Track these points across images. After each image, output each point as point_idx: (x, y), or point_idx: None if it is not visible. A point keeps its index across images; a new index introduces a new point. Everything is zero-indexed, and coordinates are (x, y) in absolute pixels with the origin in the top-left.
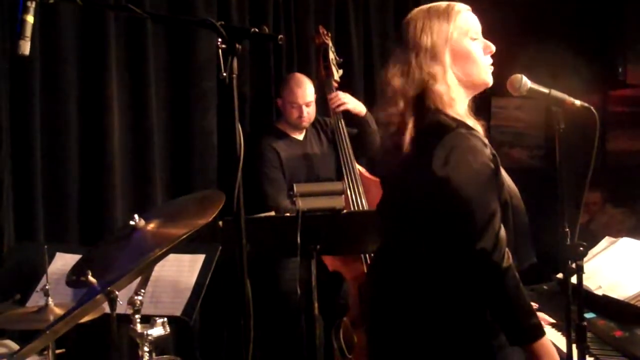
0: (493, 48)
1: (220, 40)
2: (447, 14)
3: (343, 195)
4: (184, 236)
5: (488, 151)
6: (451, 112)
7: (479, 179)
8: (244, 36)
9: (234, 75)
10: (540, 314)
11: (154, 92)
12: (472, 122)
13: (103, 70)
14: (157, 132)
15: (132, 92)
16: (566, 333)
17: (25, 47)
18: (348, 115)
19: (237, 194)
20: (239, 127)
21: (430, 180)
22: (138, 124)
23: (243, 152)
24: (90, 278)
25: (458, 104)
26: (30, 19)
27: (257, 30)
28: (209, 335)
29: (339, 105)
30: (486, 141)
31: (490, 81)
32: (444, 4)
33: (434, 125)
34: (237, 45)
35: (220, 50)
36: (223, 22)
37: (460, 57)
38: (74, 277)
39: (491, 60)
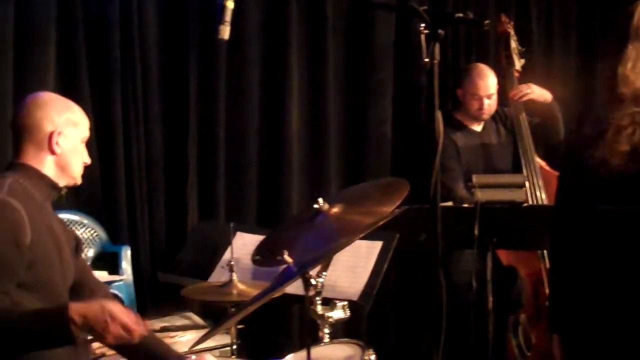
0: None
1: (423, 25)
2: None
3: (524, 188)
4: (380, 223)
5: None
6: None
7: None
8: (447, 21)
9: (436, 62)
10: None
11: (331, 80)
12: None
13: (284, 58)
14: (333, 120)
15: (310, 80)
16: None
17: (225, 32)
18: (530, 104)
19: (434, 181)
20: (438, 115)
21: None
22: (315, 112)
23: (421, 142)
24: (287, 257)
25: None
26: (230, 4)
27: (461, 15)
28: (376, 320)
29: (522, 96)
30: None
31: None
32: None
33: None
34: (440, 31)
35: (422, 36)
36: (426, 7)
37: None
38: (258, 256)
39: None
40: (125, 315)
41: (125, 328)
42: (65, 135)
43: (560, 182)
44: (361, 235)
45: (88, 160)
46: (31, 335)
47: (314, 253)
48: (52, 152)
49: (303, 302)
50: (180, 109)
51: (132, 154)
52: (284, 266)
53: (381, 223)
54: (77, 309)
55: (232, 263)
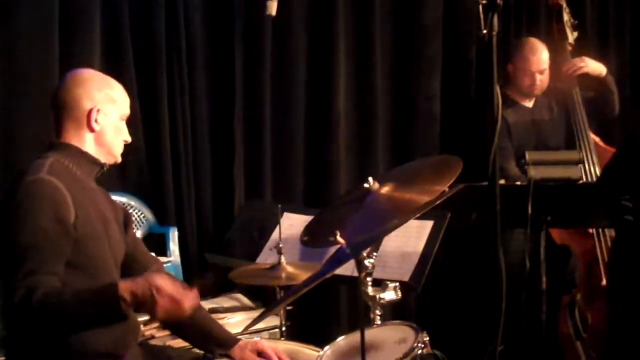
0: None
1: None
2: None
3: (580, 165)
4: (438, 201)
5: None
6: None
7: None
8: None
9: (494, 33)
10: None
11: (379, 57)
12: None
13: (331, 34)
14: (381, 97)
15: (357, 57)
16: None
17: (273, 8)
18: (583, 78)
19: (492, 158)
20: (497, 89)
21: None
22: (362, 89)
23: (472, 118)
24: (339, 238)
25: None
26: None
27: None
28: (424, 301)
29: (576, 70)
30: None
31: None
32: None
33: None
34: (499, 1)
35: (480, 7)
36: None
37: None
38: (307, 237)
39: None
40: (173, 288)
41: (174, 300)
42: (105, 112)
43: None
44: (418, 215)
45: (129, 139)
46: (82, 316)
47: (365, 233)
48: (91, 130)
49: (352, 283)
50: (226, 88)
51: (178, 134)
52: (335, 247)
53: (438, 202)
54: (125, 287)
55: (281, 245)
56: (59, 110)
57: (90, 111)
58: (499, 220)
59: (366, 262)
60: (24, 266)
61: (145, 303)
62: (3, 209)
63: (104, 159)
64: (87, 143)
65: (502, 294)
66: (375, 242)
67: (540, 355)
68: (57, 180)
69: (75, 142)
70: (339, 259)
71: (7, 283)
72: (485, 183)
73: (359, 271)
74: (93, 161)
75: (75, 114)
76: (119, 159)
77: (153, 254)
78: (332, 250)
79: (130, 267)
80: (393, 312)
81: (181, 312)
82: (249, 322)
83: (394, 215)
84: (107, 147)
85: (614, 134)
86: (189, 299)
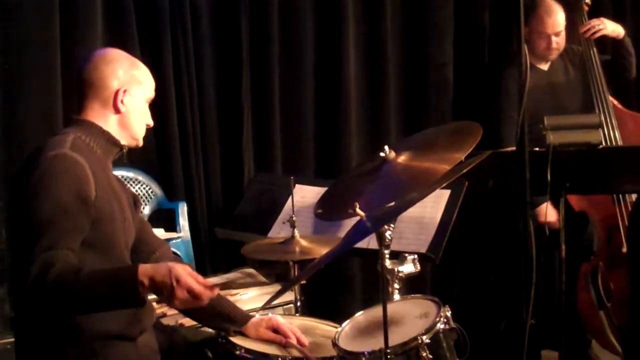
0: None
1: None
2: None
3: (600, 129)
4: (463, 170)
5: None
6: None
7: None
8: None
9: None
10: None
11: (389, 22)
12: None
13: (339, 1)
14: (392, 64)
15: (367, 23)
16: None
17: None
18: (601, 39)
19: (521, 122)
20: (524, 48)
21: None
22: (372, 56)
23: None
24: (359, 210)
25: None
26: None
27: None
28: (439, 273)
29: (595, 32)
30: None
31: None
32: None
33: None
34: None
35: None
36: None
37: None
38: (321, 209)
39: None
40: (193, 280)
41: (192, 293)
42: (131, 93)
43: None
44: (444, 185)
45: (151, 123)
46: (97, 296)
47: (385, 205)
48: (117, 111)
49: (367, 256)
50: (233, 59)
51: (185, 108)
52: (353, 220)
53: (465, 170)
54: (145, 272)
55: (294, 219)
56: (84, 88)
57: (117, 91)
58: (528, 188)
59: (387, 234)
60: (41, 241)
61: (163, 291)
62: (22, 182)
63: (125, 141)
64: (110, 124)
65: (533, 266)
66: (398, 214)
67: (559, 325)
68: (80, 157)
69: (97, 121)
70: (360, 232)
71: (22, 258)
72: (509, 149)
73: (380, 244)
74: (113, 142)
75: (101, 92)
76: (141, 143)
77: (162, 229)
78: (346, 222)
79: (137, 250)
80: (407, 284)
81: (198, 305)
82: (262, 297)
83: (414, 185)
84: (131, 130)
85: (631, 98)
86: (207, 294)
